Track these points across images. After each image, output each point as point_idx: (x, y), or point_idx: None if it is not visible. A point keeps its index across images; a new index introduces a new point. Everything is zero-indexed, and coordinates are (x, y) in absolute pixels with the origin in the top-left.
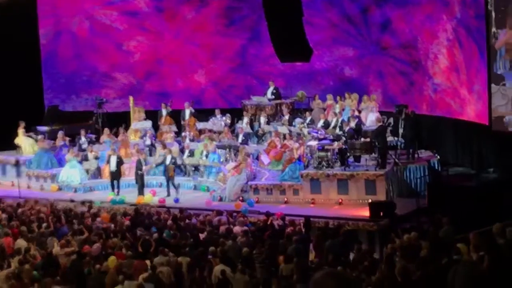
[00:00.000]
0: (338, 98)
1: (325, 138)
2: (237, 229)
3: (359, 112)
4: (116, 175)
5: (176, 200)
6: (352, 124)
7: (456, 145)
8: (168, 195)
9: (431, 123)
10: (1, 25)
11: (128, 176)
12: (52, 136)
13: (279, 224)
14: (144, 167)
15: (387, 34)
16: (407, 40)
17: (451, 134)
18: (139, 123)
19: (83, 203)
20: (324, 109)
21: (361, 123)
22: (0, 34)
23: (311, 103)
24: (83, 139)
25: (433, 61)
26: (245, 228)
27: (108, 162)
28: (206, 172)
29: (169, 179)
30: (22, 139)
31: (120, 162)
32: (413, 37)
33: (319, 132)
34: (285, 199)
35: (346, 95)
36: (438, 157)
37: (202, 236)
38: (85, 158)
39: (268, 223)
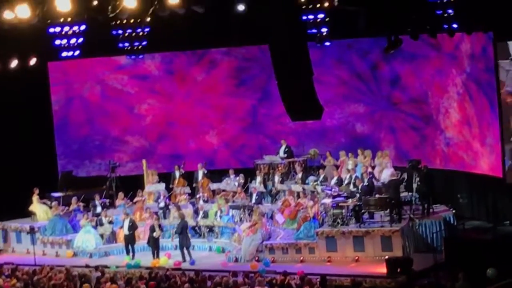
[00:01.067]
0: (350, 154)
1: (339, 196)
2: None
3: (373, 168)
4: (130, 239)
5: (192, 263)
6: (365, 180)
7: (471, 198)
8: (184, 260)
9: (445, 177)
10: (14, 93)
11: (143, 240)
12: (66, 202)
13: (296, 283)
14: (157, 231)
15: (397, 89)
16: (417, 95)
17: (465, 188)
18: (153, 186)
19: (96, 268)
20: (337, 166)
21: (373, 180)
22: (13, 102)
23: (323, 161)
24: (97, 204)
25: (444, 115)
26: None
27: (123, 226)
28: (221, 233)
29: (185, 245)
30: (37, 206)
31: (133, 226)
32: (423, 91)
33: (333, 190)
34: (301, 258)
35: (359, 151)
36: (454, 211)
37: None
38: (100, 223)
39: (286, 282)
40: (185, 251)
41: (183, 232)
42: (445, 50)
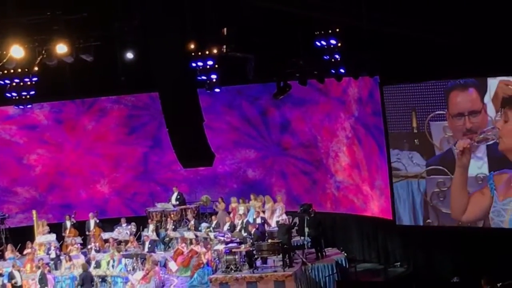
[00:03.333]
0: (241, 200)
1: (231, 241)
2: None
3: (263, 212)
4: None
5: None
6: (258, 226)
7: (362, 241)
8: None
9: (336, 220)
10: None
11: None
12: None
13: None
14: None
15: (287, 134)
16: (307, 139)
17: (356, 231)
18: (43, 237)
19: None
20: (229, 212)
21: (265, 225)
22: None
23: (216, 207)
24: None
25: (334, 159)
26: None
27: (10, 278)
28: (114, 283)
29: None
30: None
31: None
32: (313, 136)
33: (226, 236)
34: None
35: (252, 196)
36: (345, 254)
37: None
38: None
39: None
40: None
41: (85, 283)
42: (333, 95)
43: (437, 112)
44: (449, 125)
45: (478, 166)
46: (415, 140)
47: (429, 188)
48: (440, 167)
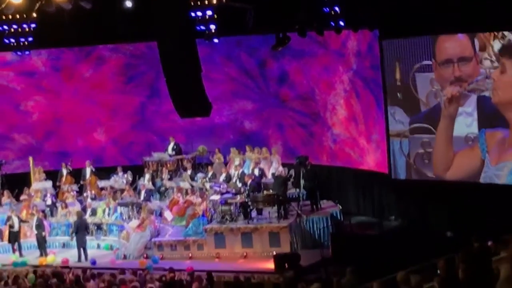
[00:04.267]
0: (236, 151)
1: (227, 192)
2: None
3: (259, 164)
4: (17, 236)
5: (93, 262)
6: (254, 177)
7: (357, 194)
8: (79, 260)
9: (332, 173)
10: None
11: (30, 238)
12: None
13: (187, 279)
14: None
15: (285, 86)
16: (305, 92)
17: (352, 184)
18: (40, 184)
19: None
20: (226, 163)
21: (262, 176)
22: None
23: (212, 158)
24: None
25: (332, 112)
26: (151, 285)
27: (6, 223)
28: (109, 231)
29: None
30: None
31: (20, 223)
32: (310, 89)
33: (221, 186)
34: (190, 255)
35: (247, 148)
36: (340, 207)
37: None
38: None
39: (175, 279)
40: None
41: (80, 231)
42: (332, 48)
43: (423, 63)
44: (435, 77)
45: (467, 123)
46: (398, 94)
47: (413, 148)
48: (426, 125)
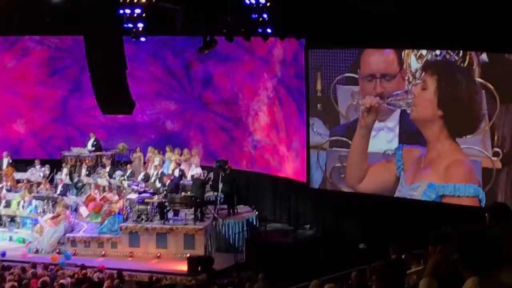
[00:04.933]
0: (156, 151)
1: (145, 192)
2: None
3: (179, 165)
4: None
5: (3, 254)
6: (173, 177)
7: (274, 201)
8: None
9: (251, 179)
10: None
11: None
12: None
13: (99, 277)
14: None
15: (209, 89)
16: (228, 96)
17: (269, 191)
18: None
19: None
20: (145, 162)
21: (182, 177)
22: None
23: (132, 156)
24: None
25: (254, 118)
26: (63, 281)
27: None
28: (23, 224)
29: None
30: None
31: None
32: (234, 93)
33: (139, 185)
34: (103, 252)
35: (167, 148)
36: (257, 212)
37: None
38: None
39: (87, 276)
40: None
41: None
42: (258, 54)
43: (345, 75)
44: (360, 89)
45: (388, 139)
46: (318, 105)
47: (330, 162)
48: (344, 139)
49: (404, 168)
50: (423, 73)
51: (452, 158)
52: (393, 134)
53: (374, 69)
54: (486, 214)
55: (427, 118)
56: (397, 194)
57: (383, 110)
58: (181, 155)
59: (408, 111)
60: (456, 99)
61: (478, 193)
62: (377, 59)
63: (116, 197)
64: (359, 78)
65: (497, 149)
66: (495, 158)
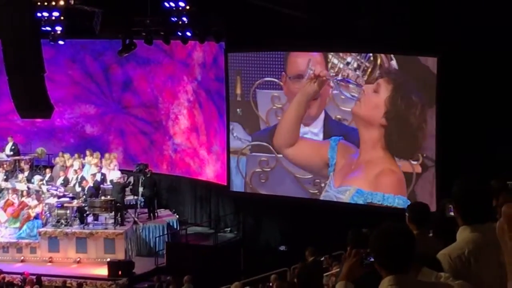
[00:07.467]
0: (76, 155)
1: (64, 196)
2: None
3: (101, 169)
4: None
5: None
6: (92, 182)
7: (195, 205)
8: None
9: (171, 182)
10: None
11: None
12: None
13: (18, 283)
14: None
15: (128, 93)
16: (148, 100)
17: (190, 194)
18: None
19: None
20: (65, 167)
21: (102, 181)
22: None
23: (52, 160)
24: None
25: (174, 121)
26: None
27: None
28: None
29: None
30: None
31: None
32: (154, 96)
33: (58, 190)
34: (22, 258)
35: (87, 152)
36: (177, 216)
37: None
38: None
39: (5, 281)
40: None
41: None
42: (178, 57)
43: (265, 79)
44: (285, 91)
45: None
46: (238, 110)
47: (250, 167)
48: (265, 144)
49: (335, 168)
50: (380, 78)
51: (383, 166)
52: (317, 139)
53: (303, 70)
54: (406, 213)
55: (367, 119)
56: (324, 194)
57: (312, 118)
58: (101, 159)
59: (351, 104)
60: (405, 119)
61: (407, 205)
62: (305, 60)
63: (35, 202)
64: (286, 79)
65: (417, 154)
66: (415, 162)
